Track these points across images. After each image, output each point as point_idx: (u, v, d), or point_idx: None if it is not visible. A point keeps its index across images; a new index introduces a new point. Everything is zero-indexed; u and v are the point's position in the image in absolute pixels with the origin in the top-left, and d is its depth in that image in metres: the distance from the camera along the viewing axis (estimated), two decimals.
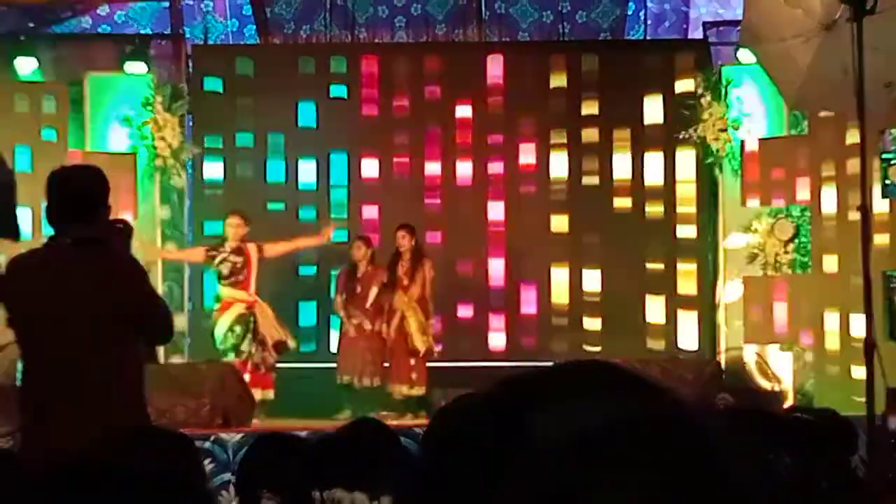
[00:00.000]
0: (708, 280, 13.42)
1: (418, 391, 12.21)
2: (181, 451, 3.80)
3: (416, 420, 11.57)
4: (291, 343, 12.12)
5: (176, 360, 12.79)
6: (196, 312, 13.53)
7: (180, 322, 12.71)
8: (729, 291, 13.03)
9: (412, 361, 12.19)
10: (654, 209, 13.64)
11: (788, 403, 11.64)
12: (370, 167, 13.75)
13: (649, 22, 14.36)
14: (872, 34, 7.13)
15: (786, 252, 12.71)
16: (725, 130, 13.03)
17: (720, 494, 1.06)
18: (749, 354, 12.50)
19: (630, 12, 14.30)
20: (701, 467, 1.06)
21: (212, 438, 10.01)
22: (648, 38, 14.37)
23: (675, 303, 13.48)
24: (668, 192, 13.60)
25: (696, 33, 13.99)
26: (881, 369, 7.04)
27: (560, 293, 13.62)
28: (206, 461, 9.57)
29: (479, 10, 14.25)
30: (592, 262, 13.60)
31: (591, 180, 13.69)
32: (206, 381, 11.22)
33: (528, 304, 13.63)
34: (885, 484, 5.16)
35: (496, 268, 13.65)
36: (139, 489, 1.85)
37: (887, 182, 10.95)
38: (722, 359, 12.56)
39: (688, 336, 13.48)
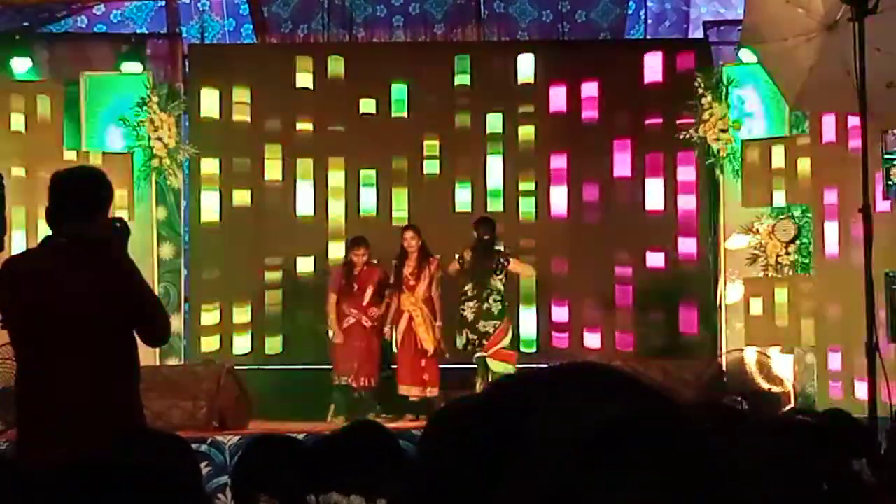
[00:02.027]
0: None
1: (431, 393, 12.15)
2: (177, 454, 3.75)
3: (415, 422, 11.52)
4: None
5: (172, 361, 12.75)
6: (193, 314, 13.52)
7: (176, 323, 12.68)
8: (730, 293, 13.00)
9: (423, 363, 12.15)
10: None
11: (789, 405, 11.60)
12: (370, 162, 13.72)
13: (649, 21, 14.35)
14: (874, 34, 7.11)
15: (787, 253, 12.68)
16: (726, 130, 13.01)
17: (719, 496, 1.05)
18: (750, 356, 12.45)
19: (630, 12, 14.29)
20: (700, 469, 1.06)
21: (208, 441, 9.98)
22: (649, 37, 14.34)
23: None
24: (667, 192, 13.59)
25: (697, 33, 13.98)
26: (883, 370, 7.02)
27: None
28: (203, 464, 9.53)
29: (478, 10, 14.23)
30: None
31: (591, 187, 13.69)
32: (202, 383, 11.20)
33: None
34: (886, 485, 5.11)
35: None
36: (135, 491, 1.80)
37: (889, 182, 10.92)
38: (723, 360, 12.53)
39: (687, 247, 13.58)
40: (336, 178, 13.69)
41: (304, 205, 13.65)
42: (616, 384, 1.13)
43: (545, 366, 1.19)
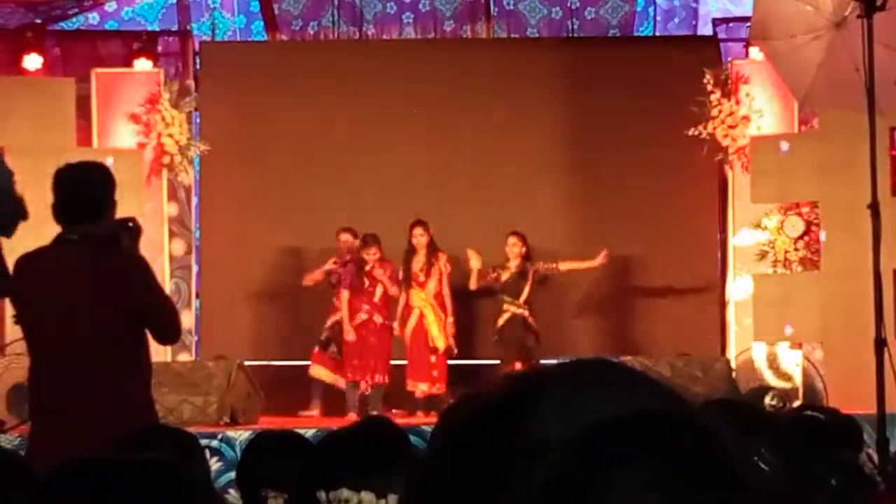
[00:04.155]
0: None
1: (439, 389, 12.17)
2: (186, 450, 3.77)
3: (426, 418, 11.53)
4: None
5: (183, 357, 12.77)
6: (204, 310, 13.54)
7: (188, 319, 12.70)
8: (738, 289, 12.99)
9: (432, 359, 12.16)
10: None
11: (798, 402, 11.60)
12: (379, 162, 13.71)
13: (659, 18, 14.33)
14: (882, 31, 7.11)
15: (796, 249, 12.67)
16: (735, 127, 13.00)
17: (727, 493, 1.05)
18: (759, 352, 12.46)
19: (639, 9, 14.27)
20: (708, 466, 1.05)
21: (219, 437, 9.98)
22: (658, 34, 14.33)
23: None
24: (676, 188, 13.56)
25: (706, 30, 13.96)
26: (892, 366, 7.02)
27: None
28: (214, 460, 9.54)
29: (488, 7, 14.22)
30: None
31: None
32: (213, 379, 11.20)
33: None
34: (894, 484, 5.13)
35: None
36: (144, 487, 1.83)
37: None
38: (732, 357, 12.53)
39: None
40: (346, 173, 13.68)
41: (315, 200, 13.65)
42: (625, 380, 1.13)
43: (554, 362, 1.20)
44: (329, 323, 12.48)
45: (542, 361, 11.72)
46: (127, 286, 5.15)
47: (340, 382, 12.36)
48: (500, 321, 12.24)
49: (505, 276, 12.19)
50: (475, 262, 12.19)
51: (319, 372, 12.39)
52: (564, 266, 12.35)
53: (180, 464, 2.16)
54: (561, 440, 1.05)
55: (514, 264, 12.18)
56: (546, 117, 13.70)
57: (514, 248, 12.19)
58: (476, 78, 13.70)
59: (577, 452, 1.04)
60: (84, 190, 5.24)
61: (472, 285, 12.31)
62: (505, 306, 12.21)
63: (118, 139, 13.06)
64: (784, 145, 12.49)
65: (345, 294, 12.33)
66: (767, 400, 11.02)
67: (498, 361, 12.29)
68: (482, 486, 1.07)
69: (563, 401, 1.09)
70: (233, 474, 9.48)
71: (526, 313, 12.16)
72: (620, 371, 1.14)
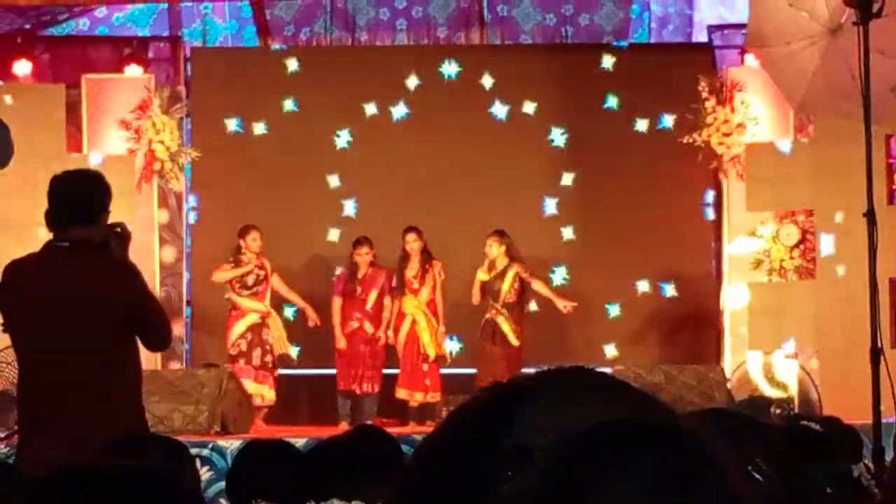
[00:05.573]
0: None
1: (433, 398, 12.11)
2: (176, 458, 3.73)
3: (419, 427, 11.48)
4: (293, 357, 12.24)
5: (174, 366, 12.72)
6: (195, 318, 13.48)
7: (178, 328, 12.64)
8: (733, 297, 12.96)
9: (425, 367, 12.09)
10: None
11: (793, 411, 11.57)
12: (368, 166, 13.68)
13: (653, 25, 14.32)
14: (878, 38, 7.08)
15: (791, 257, 12.65)
16: (730, 135, 12.99)
17: (714, 500, 1.06)
18: (754, 362, 12.42)
19: (634, 15, 14.25)
20: (695, 472, 1.06)
21: (210, 446, 9.94)
22: (652, 41, 14.32)
23: None
24: (671, 195, 13.53)
25: (701, 36, 13.95)
26: (888, 376, 6.98)
27: None
28: (204, 469, 9.51)
29: (481, 13, 14.20)
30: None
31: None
32: (204, 388, 11.17)
33: None
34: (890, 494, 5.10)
35: None
36: (133, 496, 1.79)
37: (894, 187, 10.90)
38: (727, 366, 12.50)
39: None
40: (339, 181, 13.66)
41: (307, 207, 13.61)
42: (608, 388, 1.13)
43: (535, 370, 1.20)
44: (239, 332, 12.17)
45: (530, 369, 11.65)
46: (117, 292, 5.12)
47: (264, 394, 12.16)
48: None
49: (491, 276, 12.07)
50: (482, 275, 12.04)
51: (250, 387, 12.07)
52: (537, 286, 12.23)
53: (170, 473, 2.11)
54: (546, 447, 1.06)
55: (501, 264, 12.05)
56: (539, 124, 13.67)
57: (490, 248, 12.05)
58: (469, 84, 13.67)
59: (563, 459, 1.05)
60: (80, 197, 5.23)
61: (475, 299, 12.14)
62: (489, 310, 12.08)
63: (108, 145, 13.02)
64: (780, 151, 12.48)
65: (336, 302, 12.28)
66: (773, 409, 11.00)
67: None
68: (468, 492, 1.07)
69: (549, 408, 1.10)
70: (223, 484, 9.44)
71: (499, 318, 11.98)
72: (603, 379, 1.15)
